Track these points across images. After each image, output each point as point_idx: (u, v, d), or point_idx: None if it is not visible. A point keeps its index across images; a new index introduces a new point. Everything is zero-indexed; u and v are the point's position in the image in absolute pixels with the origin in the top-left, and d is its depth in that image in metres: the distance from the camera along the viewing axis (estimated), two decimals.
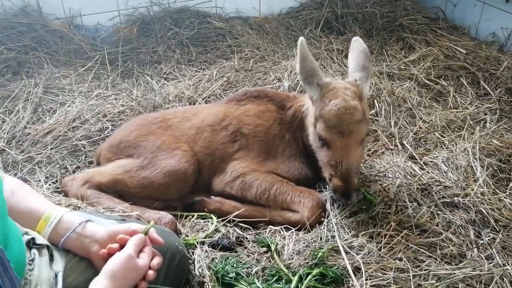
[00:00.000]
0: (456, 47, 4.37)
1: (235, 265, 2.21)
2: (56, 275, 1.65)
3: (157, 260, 1.73)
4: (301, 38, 2.61)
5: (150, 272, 1.68)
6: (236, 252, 2.37)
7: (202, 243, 2.39)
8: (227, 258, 2.26)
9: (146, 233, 1.75)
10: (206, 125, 2.88)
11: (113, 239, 1.72)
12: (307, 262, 2.26)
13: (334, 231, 2.43)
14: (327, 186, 2.70)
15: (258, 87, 3.81)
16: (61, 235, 1.73)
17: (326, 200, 2.64)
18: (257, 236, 2.50)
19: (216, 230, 2.52)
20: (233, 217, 2.60)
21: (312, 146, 2.70)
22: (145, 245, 1.72)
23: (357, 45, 2.73)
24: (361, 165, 2.84)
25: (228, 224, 2.58)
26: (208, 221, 2.62)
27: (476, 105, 3.65)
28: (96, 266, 1.70)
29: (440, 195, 2.69)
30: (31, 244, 1.63)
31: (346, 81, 2.65)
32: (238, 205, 2.68)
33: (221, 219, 2.61)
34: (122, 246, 1.68)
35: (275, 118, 2.89)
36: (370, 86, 2.91)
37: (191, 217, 2.67)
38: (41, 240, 1.67)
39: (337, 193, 2.51)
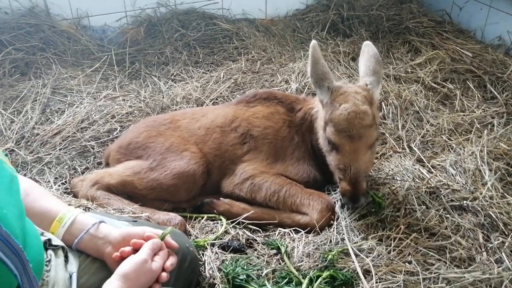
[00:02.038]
0: (462, 50, 4.37)
1: (245, 267, 2.21)
2: (70, 276, 1.66)
3: (171, 261, 1.74)
4: (314, 42, 2.62)
5: (164, 274, 1.69)
6: (246, 254, 2.39)
7: (212, 245, 2.40)
8: (237, 260, 2.27)
9: (162, 238, 1.76)
10: (216, 126, 2.88)
11: (127, 241, 1.73)
12: (317, 265, 2.27)
13: (344, 234, 2.44)
14: (337, 189, 2.71)
15: (266, 89, 3.82)
16: (74, 236, 1.75)
17: (335, 202, 2.65)
18: (266, 238, 2.51)
19: (226, 232, 2.52)
20: (243, 219, 2.61)
21: (322, 150, 2.71)
22: (160, 249, 1.73)
23: (368, 49, 2.73)
24: (372, 167, 2.85)
25: (237, 226, 2.58)
26: (217, 223, 2.63)
27: (483, 109, 3.66)
28: (110, 267, 1.72)
29: (449, 198, 2.69)
30: (47, 245, 1.65)
31: (357, 85, 2.65)
32: (247, 207, 2.69)
33: (231, 221, 2.61)
34: (135, 250, 1.70)
35: (284, 120, 2.90)
36: None
37: (200, 218, 2.68)
38: (57, 241, 1.69)
39: (345, 197, 2.53)
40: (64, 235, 1.74)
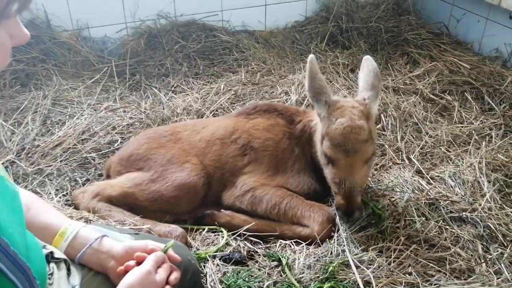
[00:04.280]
0: (460, 62, 4.41)
1: (247, 279, 2.23)
2: None
3: (174, 275, 1.74)
4: (311, 56, 2.65)
5: None
6: (247, 266, 2.40)
7: (214, 257, 2.41)
8: (239, 272, 2.28)
9: (165, 251, 1.77)
10: (216, 138, 2.90)
11: (130, 255, 1.73)
12: (318, 276, 2.28)
13: (344, 246, 2.46)
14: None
15: (266, 100, 3.85)
16: (77, 250, 1.74)
17: (335, 214, 2.66)
18: (267, 250, 2.52)
19: (227, 244, 2.53)
20: (244, 231, 2.62)
21: (320, 162, 2.73)
22: (163, 262, 1.73)
23: (368, 64, 2.75)
24: (368, 182, 2.87)
25: (238, 238, 2.59)
26: (218, 235, 2.64)
27: (481, 120, 3.68)
28: (113, 281, 1.72)
29: (448, 209, 2.71)
30: (50, 258, 1.65)
31: (355, 100, 2.67)
32: (248, 218, 2.70)
33: (232, 232, 2.62)
34: (139, 263, 1.70)
35: (285, 132, 2.91)
36: None
37: (201, 230, 2.69)
38: (59, 254, 1.69)
39: (340, 211, 2.55)
40: (67, 249, 1.73)
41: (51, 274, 1.60)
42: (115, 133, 3.46)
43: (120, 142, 3.37)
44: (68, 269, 1.70)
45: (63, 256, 1.69)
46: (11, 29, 1.09)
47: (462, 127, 3.62)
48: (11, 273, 1.22)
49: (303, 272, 2.33)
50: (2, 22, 1.04)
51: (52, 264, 1.64)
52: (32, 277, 1.31)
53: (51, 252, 1.66)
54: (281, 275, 2.32)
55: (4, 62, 1.12)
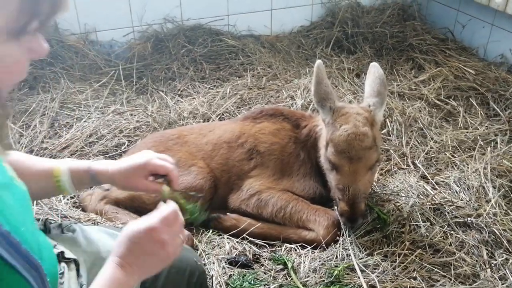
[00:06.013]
0: (465, 68, 4.42)
1: (252, 282, 2.25)
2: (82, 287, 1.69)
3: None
4: (319, 61, 2.67)
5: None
6: (253, 269, 2.41)
7: (220, 259, 2.43)
8: (245, 275, 2.30)
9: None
10: (223, 142, 2.92)
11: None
12: (323, 280, 2.30)
13: (349, 250, 2.47)
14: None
15: (272, 105, 3.87)
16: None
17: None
18: (273, 254, 2.53)
19: (232, 247, 2.55)
20: (249, 234, 2.64)
21: (323, 168, 2.75)
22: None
23: (374, 70, 2.77)
24: (372, 188, 2.88)
25: (244, 242, 2.61)
26: (223, 238, 2.65)
27: (486, 126, 3.69)
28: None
29: (453, 215, 2.72)
30: (60, 257, 1.67)
31: (360, 106, 2.68)
32: (254, 222, 2.71)
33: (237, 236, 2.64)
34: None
35: (290, 137, 2.93)
36: None
37: (207, 233, 2.70)
38: (69, 254, 1.71)
39: (343, 217, 2.56)
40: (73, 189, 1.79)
41: (62, 273, 1.62)
42: (122, 136, 3.49)
43: (127, 145, 3.40)
44: (77, 270, 1.72)
45: (73, 256, 1.72)
46: (30, 43, 1.11)
47: (467, 132, 3.63)
48: (25, 271, 1.23)
49: (308, 276, 2.35)
50: (21, 38, 1.06)
51: (63, 264, 1.66)
52: (43, 274, 1.33)
53: (62, 252, 1.68)
54: (286, 279, 2.34)
55: (20, 77, 1.14)
